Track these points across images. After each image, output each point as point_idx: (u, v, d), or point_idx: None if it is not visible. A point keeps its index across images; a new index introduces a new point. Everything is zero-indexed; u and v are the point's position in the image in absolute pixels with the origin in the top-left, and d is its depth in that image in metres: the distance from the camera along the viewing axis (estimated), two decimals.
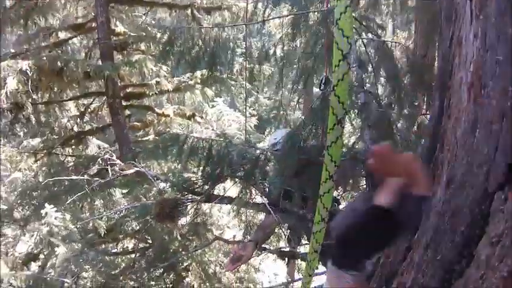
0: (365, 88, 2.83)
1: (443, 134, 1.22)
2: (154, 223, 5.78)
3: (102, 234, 5.98)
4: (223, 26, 3.64)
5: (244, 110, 5.67)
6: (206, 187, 3.12)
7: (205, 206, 6.60)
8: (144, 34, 7.26)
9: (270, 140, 3.07)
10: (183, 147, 3.25)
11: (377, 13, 4.04)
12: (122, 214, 6.52)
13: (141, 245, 7.76)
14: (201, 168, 3.19)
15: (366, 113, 2.65)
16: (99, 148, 8.71)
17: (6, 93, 6.33)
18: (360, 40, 3.10)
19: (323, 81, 2.98)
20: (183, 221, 6.39)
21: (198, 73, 7.80)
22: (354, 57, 2.94)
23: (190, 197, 3.14)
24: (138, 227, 7.30)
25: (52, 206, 5.39)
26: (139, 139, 8.74)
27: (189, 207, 3.22)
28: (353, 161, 2.53)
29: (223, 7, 8.24)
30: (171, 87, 7.68)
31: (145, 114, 8.97)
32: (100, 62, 7.37)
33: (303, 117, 3.04)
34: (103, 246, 6.55)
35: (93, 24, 7.44)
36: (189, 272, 6.59)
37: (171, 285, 6.77)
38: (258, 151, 2.97)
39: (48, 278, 4.67)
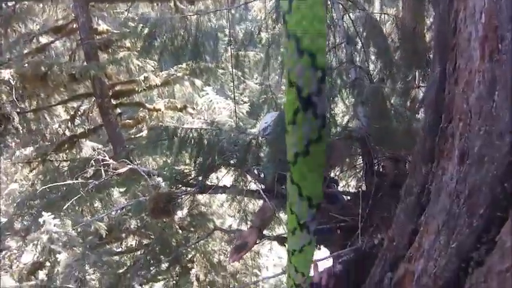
0: (355, 64, 2.67)
1: (449, 102, 1.05)
2: (150, 219, 5.66)
3: (104, 235, 5.83)
4: (205, 13, 3.43)
5: (233, 96, 5.49)
6: (200, 178, 2.97)
7: (204, 197, 6.47)
8: (128, 31, 6.98)
9: (261, 124, 2.92)
10: (173, 140, 3.09)
11: None
12: (119, 213, 6.40)
13: (144, 241, 7.68)
14: (193, 159, 3.04)
15: (358, 89, 2.50)
16: (94, 150, 8.51)
17: None
18: (347, 15, 2.93)
19: None
20: (181, 213, 6.30)
21: (184, 64, 7.59)
22: (342, 33, 2.79)
23: (184, 190, 2.99)
24: (138, 224, 7.20)
25: (49, 213, 5.21)
26: (133, 136, 8.54)
27: (184, 199, 3.07)
28: (348, 140, 2.38)
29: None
30: (160, 81, 7.44)
31: (136, 110, 8.75)
32: (85, 63, 7.12)
33: None
34: (107, 246, 6.40)
35: (75, 25, 7.14)
36: (194, 263, 6.48)
37: (177, 278, 6.68)
38: (249, 137, 2.82)
39: (52, 286, 4.53)
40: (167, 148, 3.14)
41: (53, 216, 5.14)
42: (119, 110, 8.44)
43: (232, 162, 2.83)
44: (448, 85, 1.08)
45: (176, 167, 3.33)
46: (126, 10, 7.77)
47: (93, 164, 5.64)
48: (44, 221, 5.00)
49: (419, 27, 4.03)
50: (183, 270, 6.98)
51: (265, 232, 2.91)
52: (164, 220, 3.47)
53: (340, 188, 2.83)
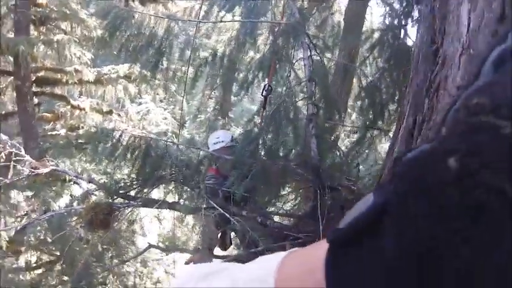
0: (313, 101, 3.03)
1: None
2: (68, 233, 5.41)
3: (4, 247, 5.43)
4: (177, 19, 3.59)
5: (181, 108, 5.58)
6: (145, 190, 3.03)
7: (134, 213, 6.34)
8: (68, 12, 6.77)
9: (212, 140, 3.11)
10: (118, 145, 3.14)
11: (324, 33, 4.37)
12: (27, 223, 6.02)
13: (43, 258, 7.22)
14: (136, 169, 3.10)
15: (313, 123, 2.86)
16: None
17: None
18: (311, 57, 3.31)
19: (265, 88, 3.15)
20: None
21: (121, 67, 7.54)
22: (307, 72, 3.13)
23: (124, 202, 3.02)
24: (42, 237, 6.80)
25: None
26: (48, 133, 8.13)
27: (125, 212, 3.09)
28: (301, 164, 2.69)
29: (160, 1, 8.09)
30: (92, 78, 7.28)
31: (55, 105, 8.37)
32: (12, 35, 6.72)
33: (257, 119, 3.14)
34: (4, 260, 5.94)
35: None
36: (107, 285, 6.25)
37: None
38: (201, 152, 2.99)
39: None
40: (109, 154, 3.16)
41: None
42: (37, 100, 8.01)
43: (178, 177, 2.95)
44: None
45: (114, 177, 3.34)
46: None
47: (3, 156, 5.32)
48: None
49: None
50: None
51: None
52: (99, 233, 3.38)
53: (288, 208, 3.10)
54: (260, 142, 2.66)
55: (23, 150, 4.72)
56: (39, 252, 7.06)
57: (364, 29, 4.23)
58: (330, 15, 4.15)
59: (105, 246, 6.32)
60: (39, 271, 6.83)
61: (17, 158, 4.76)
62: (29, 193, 6.25)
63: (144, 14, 3.81)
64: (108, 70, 7.39)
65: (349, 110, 4.06)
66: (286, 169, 2.56)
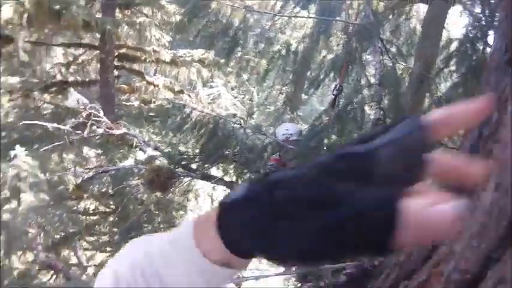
0: (381, 105, 2.83)
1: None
2: (127, 188, 5.56)
3: (70, 190, 5.68)
4: (252, 11, 3.51)
5: (251, 99, 5.54)
6: (205, 165, 2.99)
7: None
8: None
9: (280, 131, 3.00)
10: (187, 120, 3.11)
11: (399, 39, 4.07)
12: (94, 174, 6.24)
13: (100, 208, 7.50)
14: (201, 144, 3.06)
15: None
16: (78, 102, 8.29)
17: None
18: (383, 61, 3.10)
19: (336, 87, 3.00)
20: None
21: (196, 51, 7.60)
22: (377, 76, 2.94)
23: (185, 172, 3.00)
24: (104, 190, 7.04)
25: (24, 149, 5.02)
26: (123, 103, 8.38)
27: (183, 181, 3.08)
28: None
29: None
30: (168, 59, 7.38)
31: (132, 79, 8.61)
32: (100, 15, 6.97)
33: (325, 118, 2.98)
34: (68, 202, 6.22)
35: None
36: None
37: None
38: (267, 140, 2.89)
39: (11, 224, 4.36)
40: (177, 127, 3.14)
41: (26, 152, 4.96)
42: (117, 73, 8.27)
43: (241, 158, 2.88)
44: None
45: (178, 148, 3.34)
46: None
47: (83, 115, 5.53)
48: (15, 155, 4.81)
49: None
50: None
51: None
52: (157, 193, 3.40)
53: None
54: (325, 140, 2.51)
55: (101, 112, 4.86)
56: (97, 203, 7.32)
57: (442, 38, 3.90)
58: (406, 20, 3.86)
59: (156, 212, 6.42)
60: (94, 218, 7.04)
61: (95, 118, 4.91)
62: (99, 151, 6.49)
63: (221, 3, 3.75)
64: (183, 53, 7.48)
65: None
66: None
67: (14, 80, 7.53)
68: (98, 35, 7.29)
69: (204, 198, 6.14)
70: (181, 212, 6.16)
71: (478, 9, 2.88)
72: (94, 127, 5.20)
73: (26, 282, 3.88)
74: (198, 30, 3.69)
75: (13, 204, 5.79)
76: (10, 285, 3.75)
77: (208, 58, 7.34)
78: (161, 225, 6.08)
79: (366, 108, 2.87)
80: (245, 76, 7.55)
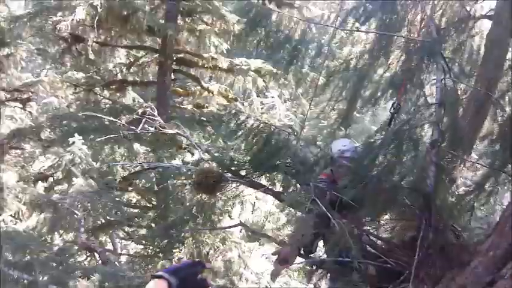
0: (440, 127, 2.65)
1: None
2: (170, 188, 5.63)
3: (117, 181, 5.86)
4: (314, 23, 3.44)
5: (305, 113, 5.47)
6: (255, 173, 2.93)
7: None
8: (211, 7, 7.09)
9: (337, 146, 2.88)
10: (241, 126, 3.07)
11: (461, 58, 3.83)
12: (140, 169, 6.40)
13: (142, 202, 7.67)
14: (253, 152, 3.00)
15: (435, 150, 2.50)
16: (134, 101, 8.62)
17: (72, 20, 6.24)
18: (444, 80, 2.91)
19: (394, 105, 2.90)
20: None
21: (253, 61, 7.67)
22: (438, 95, 2.77)
23: (233, 177, 2.95)
24: (148, 185, 7.19)
25: (81, 137, 5.26)
26: (177, 105, 8.59)
27: (231, 187, 3.03)
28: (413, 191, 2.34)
29: (295, 6, 8.11)
30: (225, 66, 7.49)
31: (187, 83, 8.84)
32: (162, 21, 7.23)
33: (378, 136, 2.83)
34: (114, 192, 6.42)
35: None
36: (184, 245, 6.40)
37: (160, 250, 6.62)
38: (320, 153, 2.79)
39: (60, 204, 4.55)
40: (231, 132, 3.11)
41: (82, 141, 5.19)
42: (173, 76, 8.52)
43: (292, 170, 2.79)
44: None
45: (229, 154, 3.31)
46: None
47: (139, 112, 5.71)
48: (73, 142, 5.04)
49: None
50: (167, 245, 6.90)
51: None
52: (204, 196, 3.38)
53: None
54: (379, 158, 2.36)
55: (156, 111, 4.96)
56: (140, 197, 7.47)
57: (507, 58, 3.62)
58: (470, 38, 3.62)
59: (196, 214, 6.41)
60: (135, 211, 7.19)
61: (149, 116, 5.01)
62: (149, 148, 6.68)
63: (282, 15, 3.71)
64: (240, 62, 7.56)
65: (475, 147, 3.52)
66: (397, 191, 2.22)
67: (80, 75, 8.00)
68: (159, 40, 7.61)
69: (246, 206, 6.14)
70: (221, 218, 6.15)
71: None
72: (147, 125, 5.36)
73: (63, 259, 4.02)
74: (257, 40, 3.66)
75: (64, 186, 6.09)
76: (49, 260, 3.89)
77: (264, 68, 7.37)
78: (199, 227, 6.11)
79: (422, 128, 2.70)
80: (299, 90, 7.49)
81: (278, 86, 7.55)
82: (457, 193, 2.74)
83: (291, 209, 2.97)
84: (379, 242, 2.58)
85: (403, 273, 2.12)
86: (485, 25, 4.74)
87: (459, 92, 3.22)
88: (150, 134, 6.42)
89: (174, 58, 7.78)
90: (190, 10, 7.59)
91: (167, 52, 7.34)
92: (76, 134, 5.41)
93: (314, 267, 2.68)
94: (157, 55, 7.87)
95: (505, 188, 2.70)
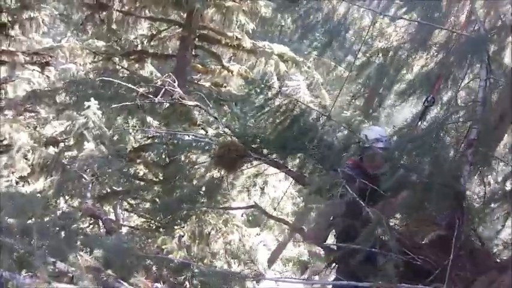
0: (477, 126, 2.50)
1: None
2: (181, 162, 5.45)
3: (128, 150, 5.71)
4: (357, 5, 3.20)
5: (337, 95, 5.25)
6: (280, 153, 2.73)
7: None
8: None
9: (373, 134, 2.68)
10: (268, 102, 2.87)
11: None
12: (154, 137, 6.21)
13: (149, 176, 7.53)
14: (279, 131, 2.80)
15: (472, 149, 2.35)
16: (151, 74, 8.43)
17: None
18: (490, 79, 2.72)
19: (428, 98, 2.79)
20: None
21: (276, 46, 7.44)
22: (481, 93, 2.58)
23: (259, 155, 2.76)
24: (155, 159, 7.03)
25: (97, 102, 5.09)
26: (195, 81, 8.38)
27: (252, 164, 2.85)
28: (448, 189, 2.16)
29: None
30: (249, 46, 7.26)
31: (207, 61, 8.63)
32: None
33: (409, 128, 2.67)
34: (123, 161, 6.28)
35: None
36: (186, 223, 6.26)
37: (162, 225, 6.48)
38: (352, 139, 2.59)
39: (69, 166, 4.40)
40: (259, 107, 2.91)
41: (98, 106, 5.02)
42: (194, 52, 8.30)
43: (319, 153, 2.60)
44: None
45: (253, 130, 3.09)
46: None
47: (158, 82, 5.51)
48: (88, 106, 4.88)
49: None
50: (170, 222, 6.76)
51: None
52: (222, 170, 3.17)
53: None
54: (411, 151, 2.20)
55: (176, 82, 4.77)
56: (147, 170, 7.33)
57: None
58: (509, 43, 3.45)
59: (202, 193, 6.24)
60: (141, 184, 7.05)
61: (169, 87, 4.80)
62: (162, 122, 6.52)
63: None
64: (263, 45, 7.32)
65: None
66: (432, 187, 2.05)
67: (100, 43, 7.82)
68: (184, 14, 7.37)
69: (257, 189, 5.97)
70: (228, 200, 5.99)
71: None
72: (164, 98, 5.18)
73: (66, 223, 3.85)
74: (295, 18, 3.43)
75: (74, 152, 5.96)
76: (50, 225, 3.71)
77: (287, 54, 7.14)
78: (209, 206, 5.94)
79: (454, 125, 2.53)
80: (320, 78, 7.27)
81: (300, 73, 7.32)
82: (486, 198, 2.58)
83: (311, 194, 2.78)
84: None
85: (431, 272, 2.03)
86: None
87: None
88: (166, 107, 6.24)
89: (197, 34, 7.57)
90: None
91: (192, 26, 7.12)
92: (92, 99, 5.25)
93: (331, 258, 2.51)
94: (180, 29, 7.66)
95: None
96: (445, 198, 2.26)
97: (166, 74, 5.66)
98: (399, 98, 3.19)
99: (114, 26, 7.64)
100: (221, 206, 5.21)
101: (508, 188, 2.68)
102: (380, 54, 3.45)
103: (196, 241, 6.50)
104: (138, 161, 7.04)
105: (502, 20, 4.01)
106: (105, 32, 7.69)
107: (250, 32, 7.16)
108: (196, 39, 7.59)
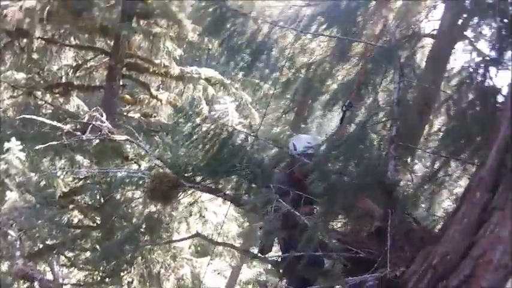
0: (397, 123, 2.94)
1: None
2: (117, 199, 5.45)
3: (57, 197, 5.58)
4: (279, 26, 3.58)
5: (265, 112, 5.57)
6: (212, 178, 2.94)
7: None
8: (168, 11, 7.10)
9: (301, 143, 2.98)
10: (197, 129, 3.10)
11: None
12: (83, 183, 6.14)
13: (85, 222, 7.35)
14: (209, 156, 3.03)
15: (394, 145, 2.76)
16: (78, 108, 8.33)
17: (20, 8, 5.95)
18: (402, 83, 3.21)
19: (346, 103, 3.13)
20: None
21: (204, 70, 7.77)
22: (396, 96, 3.05)
23: (192, 183, 2.94)
24: (92, 202, 6.92)
25: (19, 142, 4.96)
26: (124, 113, 8.42)
27: (187, 193, 3.02)
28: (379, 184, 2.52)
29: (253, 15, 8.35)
30: (177, 73, 7.50)
31: (136, 91, 8.71)
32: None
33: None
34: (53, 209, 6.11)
35: None
36: (133, 266, 6.19)
37: (108, 274, 6.35)
38: (280, 154, 2.88)
39: None
40: (188, 135, 3.13)
41: (20, 147, 4.90)
42: (122, 82, 8.36)
43: (250, 173, 2.84)
44: None
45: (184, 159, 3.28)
46: None
47: (85, 118, 5.52)
48: (8, 148, 4.74)
49: None
50: (115, 269, 6.62)
51: None
52: (158, 204, 3.30)
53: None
54: (340, 156, 2.55)
55: (104, 115, 4.84)
56: (83, 215, 7.17)
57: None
58: (419, 47, 4.13)
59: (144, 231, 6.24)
60: (77, 232, 6.89)
61: (97, 122, 4.86)
62: (93, 160, 6.44)
63: (247, 16, 3.82)
64: (190, 70, 7.61)
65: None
66: (363, 186, 2.42)
67: (20, 76, 7.61)
68: (111, 43, 7.46)
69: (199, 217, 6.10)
70: (171, 233, 6.04)
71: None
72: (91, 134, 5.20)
73: None
74: (221, 40, 3.75)
75: None
76: None
77: (215, 77, 7.51)
78: (147, 246, 5.92)
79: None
80: (249, 98, 7.72)
81: (228, 95, 7.73)
82: (414, 184, 3.01)
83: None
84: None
85: (375, 261, 2.32)
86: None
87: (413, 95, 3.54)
88: (95, 143, 6.23)
89: (125, 63, 7.67)
90: (147, 13, 7.53)
91: (119, 55, 7.22)
92: (13, 139, 5.09)
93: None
94: (107, 58, 7.71)
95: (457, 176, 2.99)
96: (376, 194, 2.64)
97: (94, 108, 5.72)
98: (325, 108, 3.61)
99: (35, 56, 7.50)
100: (165, 241, 5.27)
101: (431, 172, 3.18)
102: (304, 69, 3.86)
103: (147, 283, 6.44)
104: (71, 206, 6.84)
105: (413, 29, 4.74)
106: (25, 63, 7.46)
107: (178, 58, 7.44)
108: (124, 68, 7.69)
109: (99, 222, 7.02)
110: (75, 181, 6.88)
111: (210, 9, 3.79)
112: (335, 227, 3.02)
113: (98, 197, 6.05)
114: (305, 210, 2.54)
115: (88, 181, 6.46)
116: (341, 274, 2.27)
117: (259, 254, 3.13)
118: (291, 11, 5.33)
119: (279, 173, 2.97)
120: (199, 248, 8.58)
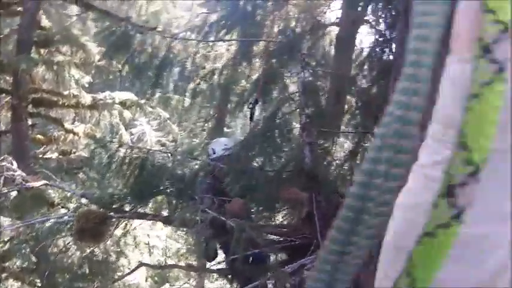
0: (306, 111, 3.21)
1: None
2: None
3: None
4: (178, 38, 3.75)
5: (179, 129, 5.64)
6: (139, 203, 3.02)
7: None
8: (70, 36, 6.94)
9: (220, 147, 3.14)
10: (113, 157, 3.17)
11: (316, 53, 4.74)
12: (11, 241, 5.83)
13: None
14: (131, 182, 3.11)
15: (306, 132, 3.03)
16: None
17: None
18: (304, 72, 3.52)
19: (252, 101, 3.40)
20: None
21: (117, 93, 7.70)
22: (300, 85, 3.35)
23: (120, 213, 3.00)
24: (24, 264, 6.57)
25: None
26: (40, 156, 8.06)
27: (118, 224, 3.07)
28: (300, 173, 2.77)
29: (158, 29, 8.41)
30: (89, 102, 7.35)
31: (48, 128, 8.39)
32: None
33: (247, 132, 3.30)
34: None
35: (19, 8, 6.81)
36: None
37: None
38: (197, 165, 3.05)
39: None
40: (105, 166, 3.18)
41: None
42: (31, 121, 8.01)
43: (174, 190, 2.97)
44: None
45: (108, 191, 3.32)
46: (76, 15, 7.77)
47: None
48: None
49: None
50: None
51: None
52: (89, 244, 3.28)
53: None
54: (254, 152, 2.79)
55: (15, 164, 4.67)
56: (19, 281, 6.79)
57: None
58: (321, 39, 4.50)
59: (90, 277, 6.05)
60: None
61: (8, 173, 4.69)
62: (15, 216, 6.11)
63: (146, 34, 3.95)
64: (104, 96, 7.49)
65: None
66: (280, 177, 2.67)
67: None
68: (10, 79, 7.10)
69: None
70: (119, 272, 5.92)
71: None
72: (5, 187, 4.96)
73: None
74: (124, 61, 3.84)
75: None
76: None
77: (130, 100, 7.49)
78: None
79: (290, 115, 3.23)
80: (166, 114, 7.84)
81: (144, 115, 7.78)
82: (334, 162, 3.33)
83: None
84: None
85: (311, 243, 2.56)
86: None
87: (320, 82, 3.89)
88: (12, 197, 5.93)
89: (30, 99, 7.35)
90: (46, 40, 7.23)
91: (21, 92, 6.89)
92: None
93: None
94: (9, 97, 7.33)
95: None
96: (299, 181, 2.89)
97: (2, 157, 5.48)
98: (235, 109, 3.85)
99: None
100: (114, 279, 5.22)
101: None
102: (209, 76, 4.09)
103: None
104: (4, 275, 6.49)
105: (316, 20, 5.14)
106: None
107: (87, 85, 7.30)
108: (30, 105, 7.38)
109: (39, 283, 6.68)
110: (1, 245, 6.49)
111: (113, 28, 3.87)
112: (278, 220, 3.25)
113: (30, 257, 5.77)
114: (233, 207, 2.72)
115: (15, 241, 6.13)
116: (278, 265, 2.47)
117: (207, 264, 3.29)
118: (198, 19, 5.53)
119: (202, 182, 3.13)
120: (156, 278, 8.47)
